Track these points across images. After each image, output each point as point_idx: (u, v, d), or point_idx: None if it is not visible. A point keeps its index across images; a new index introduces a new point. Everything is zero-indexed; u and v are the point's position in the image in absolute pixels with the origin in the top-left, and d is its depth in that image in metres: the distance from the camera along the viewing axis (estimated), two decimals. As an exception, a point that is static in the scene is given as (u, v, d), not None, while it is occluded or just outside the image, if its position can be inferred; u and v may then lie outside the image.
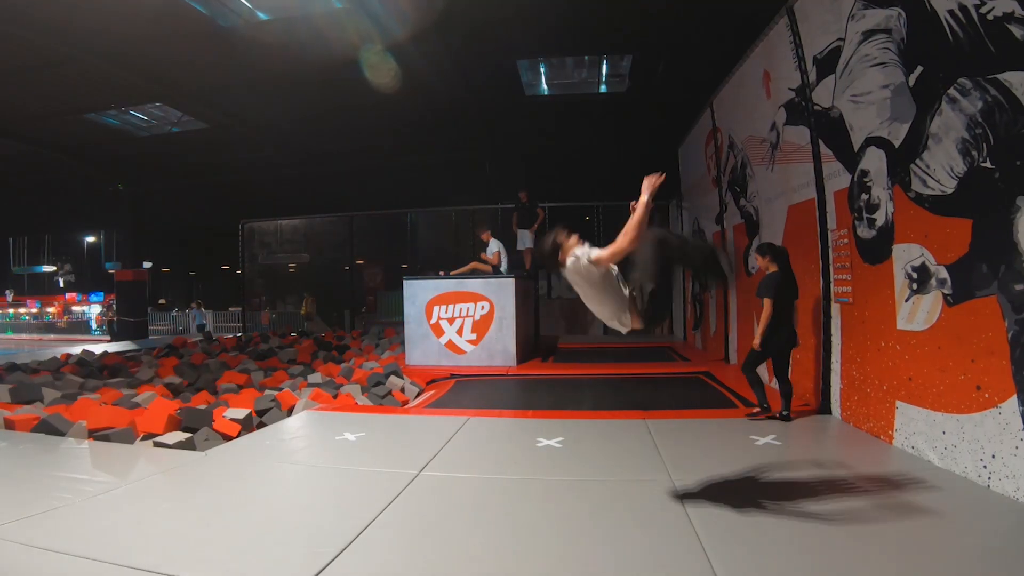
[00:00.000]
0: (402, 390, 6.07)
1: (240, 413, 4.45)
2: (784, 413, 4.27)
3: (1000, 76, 2.60)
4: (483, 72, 8.15)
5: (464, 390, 6.21)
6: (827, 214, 4.44)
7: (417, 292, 7.71)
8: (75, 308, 32.17)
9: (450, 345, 7.50)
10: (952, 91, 2.90)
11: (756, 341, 4.25)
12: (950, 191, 2.97)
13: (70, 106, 8.80)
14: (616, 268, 2.66)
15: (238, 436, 4.17)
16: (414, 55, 7.14)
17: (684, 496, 2.79)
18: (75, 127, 9.73)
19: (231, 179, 13.39)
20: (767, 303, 4.16)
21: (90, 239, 30.48)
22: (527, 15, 6.52)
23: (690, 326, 9.78)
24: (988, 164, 2.70)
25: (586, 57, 8.12)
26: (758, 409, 4.36)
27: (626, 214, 2.58)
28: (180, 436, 3.88)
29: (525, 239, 9.58)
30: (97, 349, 10.35)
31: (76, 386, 6.16)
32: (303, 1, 6.01)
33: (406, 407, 5.57)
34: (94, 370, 7.58)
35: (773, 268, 4.35)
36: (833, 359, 4.38)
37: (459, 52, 7.42)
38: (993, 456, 2.72)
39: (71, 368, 7.69)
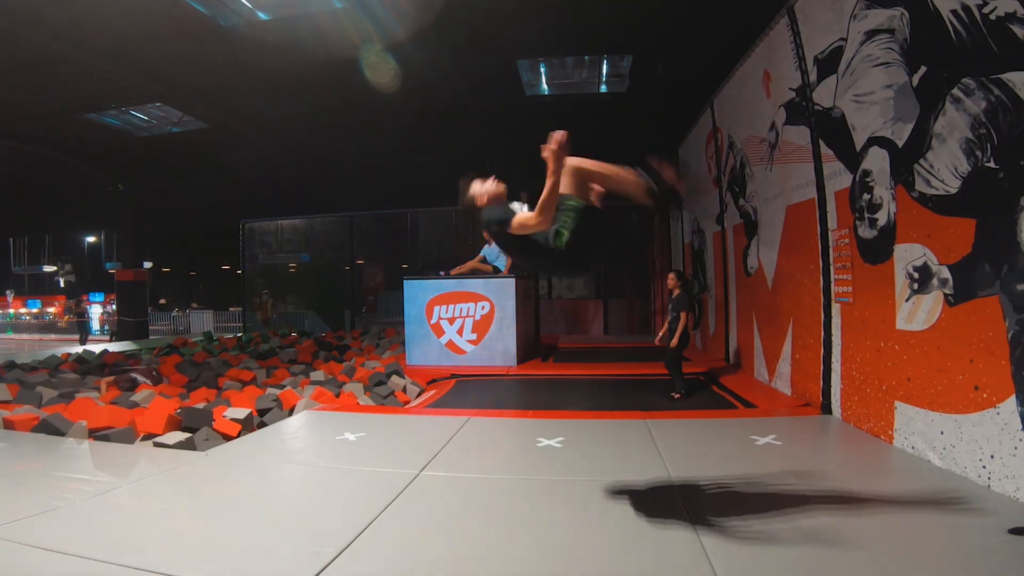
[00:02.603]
0: (404, 390, 6.06)
1: (241, 413, 4.44)
2: (682, 392, 5.42)
3: (1003, 76, 2.60)
4: (483, 72, 8.13)
5: (464, 390, 6.20)
6: (827, 214, 4.44)
7: (417, 292, 7.70)
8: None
9: (450, 345, 7.50)
10: (956, 91, 2.90)
11: (674, 342, 5.45)
12: (954, 191, 2.97)
13: (70, 106, 8.79)
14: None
15: (238, 436, 4.16)
16: (414, 55, 7.13)
17: (685, 496, 2.78)
18: (75, 127, 9.72)
19: (231, 179, 13.38)
20: (684, 315, 5.45)
21: (90, 239, 30.48)
22: (527, 15, 6.51)
23: (690, 326, 9.75)
24: (992, 164, 2.70)
25: (586, 57, 8.11)
26: (679, 395, 5.43)
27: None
28: (180, 436, 3.88)
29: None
30: (97, 348, 10.35)
31: (72, 383, 6.16)
32: (303, 1, 6.00)
33: (407, 407, 5.57)
34: (94, 368, 7.58)
35: (679, 291, 5.55)
36: (834, 359, 4.38)
37: (459, 52, 7.41)
38: (992, 456, 2.72)
39: (71, 366, 7.69)
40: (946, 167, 3.01)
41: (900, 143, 3.41)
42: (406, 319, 7.73)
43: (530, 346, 8.42)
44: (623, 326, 12.03)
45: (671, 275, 5.77)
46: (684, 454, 3.48)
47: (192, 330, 19.70)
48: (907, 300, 3.40)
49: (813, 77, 4.49)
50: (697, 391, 5.80)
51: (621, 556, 2.21)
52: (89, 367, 7.65)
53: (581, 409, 5.02)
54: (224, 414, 4.42)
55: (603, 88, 8.89)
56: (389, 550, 2.28)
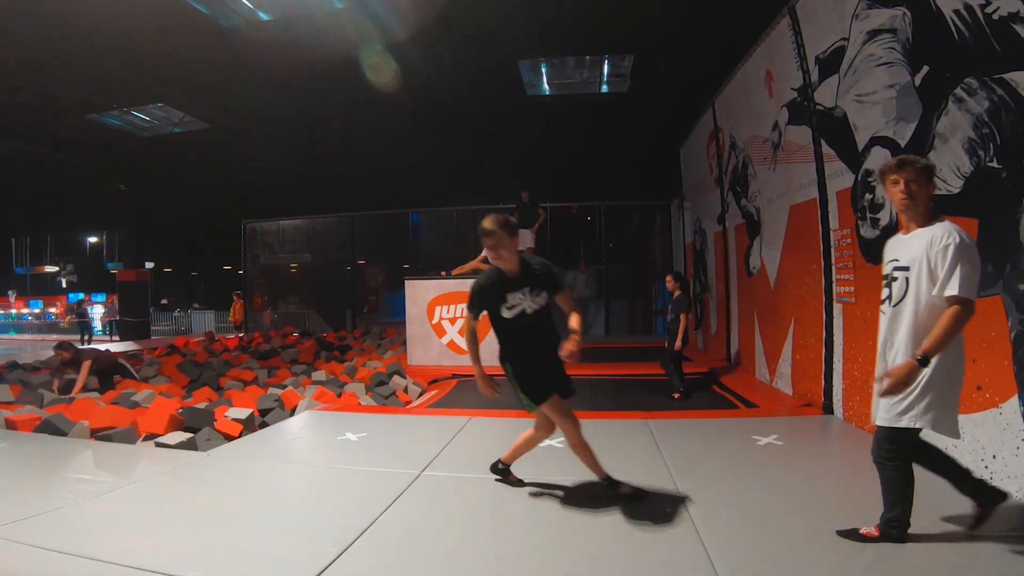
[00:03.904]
0: (405, 390, 6.06)
1: (242, 413, 4.44)
2: (682, 390, 5.47)
3: (1006, 76, 2.59)
4: (484, 72, 8.15)
5: (466, 390, 6.20)
6: (829, 214, 4.43)
7: (419, 292, 7.70)
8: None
9: (452, 345, 7.49)
10: (959, 91, 2.89)
11: (678, 344, 5.41)
12: (956, 191, 2.96)
13: (72, 106, 8.82)
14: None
15: (240, 436, 4.16)
16: (415, 55, 7.14)
17: (686, 496, 2.78)
18: (77, 127, 9.75)
19: (232, 179, 13.41)
20: (683, 317, 5.43)
21: (92, 239, 30.51)
22: (528, 15, 6.52)
23: (691, 326, 9.75)
24: (994, 164, 2.69)
25: (587, 57, 8.11)
26: (679, 395, 5.49)
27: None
28: (182, 436, 3.88)
29: (526, 239, 9.58)
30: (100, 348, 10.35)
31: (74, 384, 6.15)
32: (304, 1, 6.01)
33: (408, 407, 5.57)
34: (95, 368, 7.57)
35: (679, 292, 5.57)
36: (835, 359, 4.37)
37: (460, 52, 7.41)
38: (994, 456, 2.71)
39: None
40: (949, 167, 3.00)
41: (903, 143, 3.40)
42: (407, 319, 7.72)
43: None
44: (624, 326, 12.02)
45: (669, 277, 5.82)
46: (686, 454, 3.48)
47: (194, 330, 19.71)
48: (909, 300, 3.39)
49: (815, 77, 4.49)
50: (698, 391, 5.80)
51: (623, 556, 2.21)
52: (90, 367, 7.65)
53: (582, 409, 4.99)
54: (226, 414, 4.42)
55: (604, 88, 8.90)
56: (390, 550, 2.28)
